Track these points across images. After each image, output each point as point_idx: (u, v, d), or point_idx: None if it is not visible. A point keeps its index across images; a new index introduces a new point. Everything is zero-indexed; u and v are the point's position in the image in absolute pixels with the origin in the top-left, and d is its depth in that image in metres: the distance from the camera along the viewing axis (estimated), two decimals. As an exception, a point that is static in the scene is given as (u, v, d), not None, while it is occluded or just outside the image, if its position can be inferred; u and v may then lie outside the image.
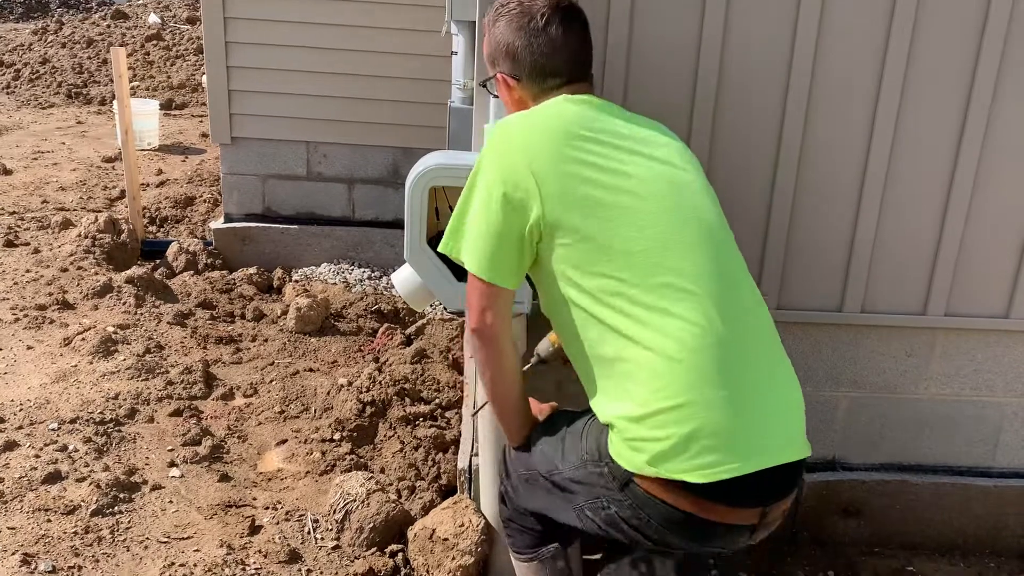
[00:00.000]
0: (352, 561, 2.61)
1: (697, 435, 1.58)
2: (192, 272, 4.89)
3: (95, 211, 5.74)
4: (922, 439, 2.72)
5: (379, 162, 5.20)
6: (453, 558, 2.43)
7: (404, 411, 3.34)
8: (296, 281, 4.93)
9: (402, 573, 2.57)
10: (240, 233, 5.16)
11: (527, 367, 2.13)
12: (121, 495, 2.81)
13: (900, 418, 2.69)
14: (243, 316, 4.43)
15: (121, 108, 5.25)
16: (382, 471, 3.08)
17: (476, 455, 2.56)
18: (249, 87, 5.02)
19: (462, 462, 2.66)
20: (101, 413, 3.27)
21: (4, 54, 11.28)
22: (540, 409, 2.01)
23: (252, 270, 4.93)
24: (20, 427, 3.15)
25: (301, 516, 2.82)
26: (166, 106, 9.32)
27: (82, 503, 2.73)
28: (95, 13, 13.21)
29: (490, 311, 1.76)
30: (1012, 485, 2.72)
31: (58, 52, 11.27)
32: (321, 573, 2.57)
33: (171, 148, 7.92)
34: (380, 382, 3.51)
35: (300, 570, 2.57)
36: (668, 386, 1.60)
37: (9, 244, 5.03)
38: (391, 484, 2.94)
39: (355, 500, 2.70)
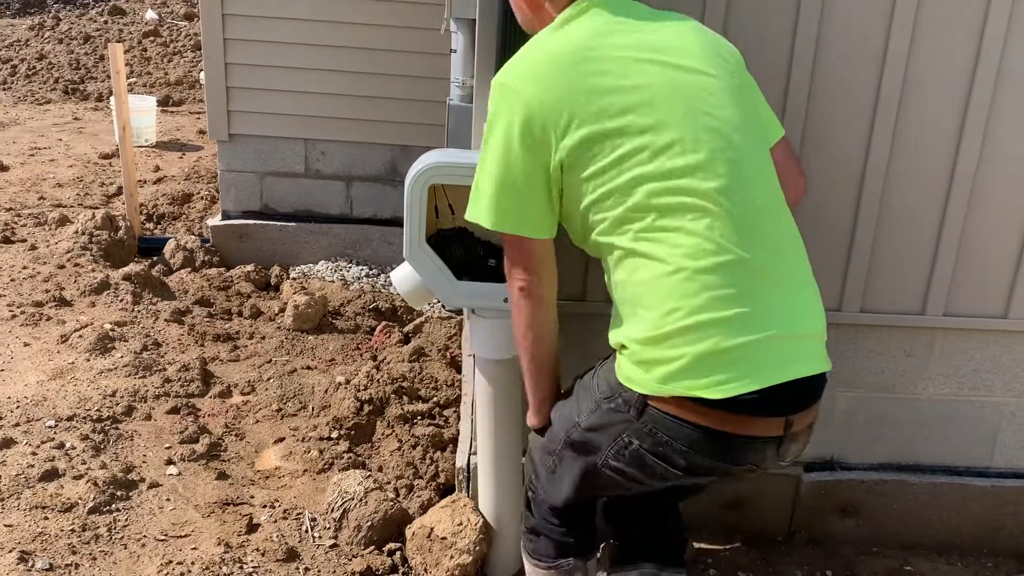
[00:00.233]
0: (350, 560, 2.60)
1: (710, 354, 1.56)
2: (189, 269, 4.88)
3: (92, 208, 5.72)
4: (920, 439, 2.72)
5: (377, 160, 5.19)
6: (451, 557, 2.43)
7: (402, 409, 3.34)
8: (294, 279, 4.92)
9: (400, 572, 2.57)
10: (238, 230, 5.15)
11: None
12: (118, 493, 2.80)
13: (898, 418, 2.69)
14: (240, 313, 4.42)
15: (118, 104, 5.23)
16: (380, 469, 3.08)
17: (474, 454, 2.56)
18: (247, 84, 5.01)
19: (460, 461, 2.66)
20: (98, 410, 3.27)
21: (0, 50, 11.24)
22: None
23: (250, 267, 4.92)
24: (17, 424, 3.14)
25: (299, 514, 2.81)
26: (163, 103, 9.30)
27: (79, 501, 2.73)
28: (92, 9, 13.16)
29: (534, 267, 1.73)
30: (1009, 485, 2.72)
31: (55, 48, 11.23)
32: (319, 572, 2.57)
33: (168, 145, 7.90)
34: (378, 380, 3.50)
35: (298, 568, 2.57)
36: (681, 307, 1.57)
37: (6, 241, 5.01)
38: (389, 483, 2.93)
39: (353, 498, 2.70)
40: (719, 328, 1.56)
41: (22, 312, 4.05)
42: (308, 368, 3.89)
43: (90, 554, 2.54)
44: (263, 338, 4.15)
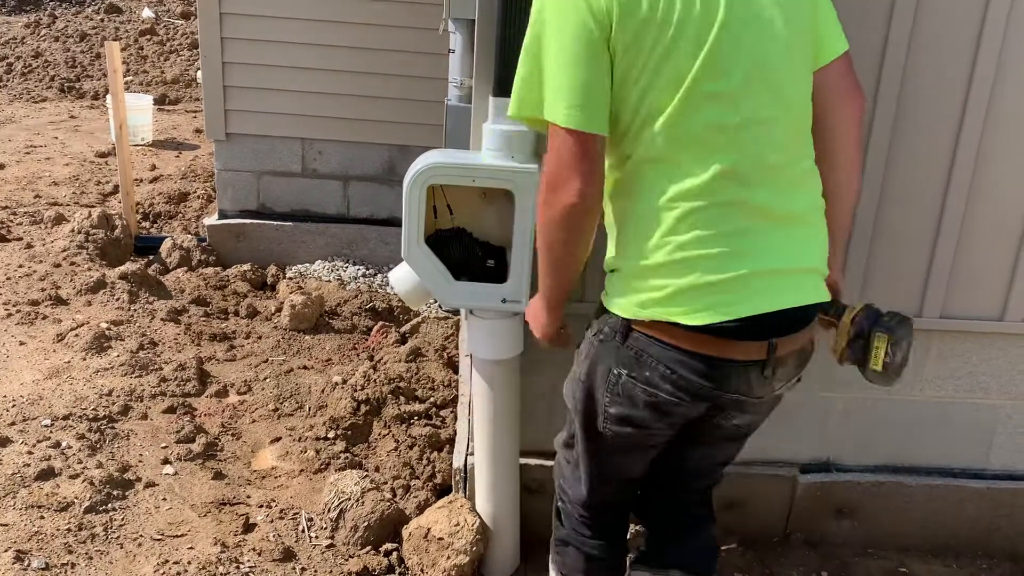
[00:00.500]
0: (346, 560, 2.60)
1: (691, 287, 1.59)
2: (186, 268, 4.87)
3: (88, 206, 5.71)
4: (916, 441, 2.72)
5: (374, 160, 5.18)
6: (448, 557, 2.43)
7: (399, 409, 3.34)
8: (290, 278, 4.91)
9: (396, 572, 2.57)
10: (234, 229, 5.15)
11: None
12: (114, 492, 2.80)
13: (894, 419, 2.70)
14: (237, 313, 4.42)
15: (115, 103, 5.23)
16: (377, 470, 3.08)
17: (471, 454, 2.56)
18: (244, 83, 5.00)
19: (457, 461, 2.66)
20: (94, 410, 3.26)
21: (-3, 47, 11.22)
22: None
23: (246, 267, 4.91)
24: (13, 423, 3.13)
25: (295, 514, 2.81)
26: (160, 101, 9.28)
27: (75, 500, 2.72)
28: (88, 7, 13.13)
29: (596, 173, 1.59)
30: (1005, 487, 2.73)
31: (51, 46, 11.21)
32: (315, 571, 2.56)
33: (165, 144, 7.89)
34: (375, 380, 3.50)
35: (294, 568, 2.56)
36: (670, 241, 1.59)
37: (1, 239, 5.00)
38: (386, 483, 2.93)
39: (349, 499, 2.69)
40: (703, 263, 1.58)
41: (18, 311, 4.04)
42: (305, 368, 3.88)
43: (86, 553, 2.53)
44: (260, 338, 4.15)
